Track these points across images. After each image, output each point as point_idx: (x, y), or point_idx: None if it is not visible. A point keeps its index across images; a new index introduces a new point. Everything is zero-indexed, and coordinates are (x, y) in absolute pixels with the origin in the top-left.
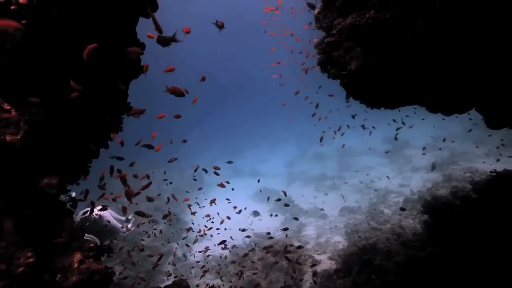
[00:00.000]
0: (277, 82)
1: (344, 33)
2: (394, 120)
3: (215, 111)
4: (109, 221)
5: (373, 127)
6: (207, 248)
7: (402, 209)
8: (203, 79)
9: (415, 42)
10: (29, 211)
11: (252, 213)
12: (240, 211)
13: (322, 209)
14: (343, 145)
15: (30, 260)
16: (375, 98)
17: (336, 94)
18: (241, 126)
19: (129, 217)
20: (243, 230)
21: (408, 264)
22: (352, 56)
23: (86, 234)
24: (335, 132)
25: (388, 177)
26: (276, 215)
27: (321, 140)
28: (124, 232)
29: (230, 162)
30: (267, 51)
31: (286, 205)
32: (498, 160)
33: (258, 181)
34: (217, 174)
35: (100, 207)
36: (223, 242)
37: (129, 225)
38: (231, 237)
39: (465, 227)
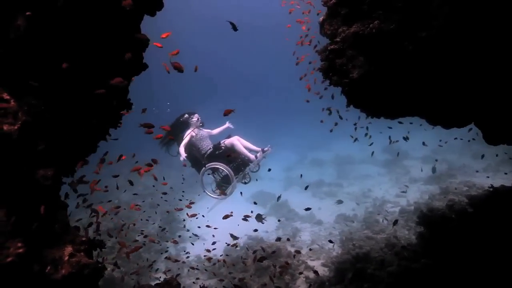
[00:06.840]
0: (278, 84)
1: (347, 41)
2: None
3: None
4: (236, 149)
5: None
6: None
7: (395, 222)
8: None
9: (418, 54)
10: (23, 201)
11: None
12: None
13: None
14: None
15: (20, 250)
16: (375, 107)
17: (337, 101)
18: (241, 129)
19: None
20: (233, 230)
21: (400, 274)
22: (354, 65)
23: (217, 163)
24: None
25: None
26: (279, 221)
27: (331, 131)
28: (255, 159)
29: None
30: (270, 53)
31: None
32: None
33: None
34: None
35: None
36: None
37: (258, 154)
38: (231, 236)
39: (460, 241)
